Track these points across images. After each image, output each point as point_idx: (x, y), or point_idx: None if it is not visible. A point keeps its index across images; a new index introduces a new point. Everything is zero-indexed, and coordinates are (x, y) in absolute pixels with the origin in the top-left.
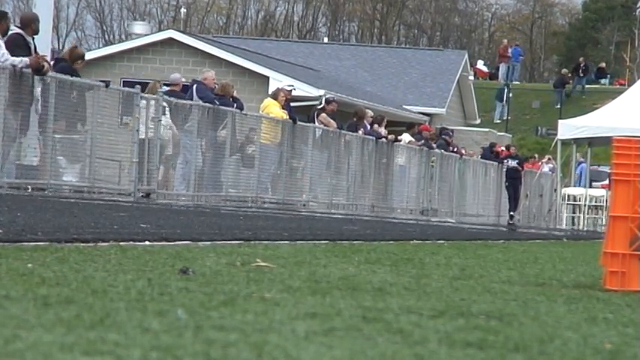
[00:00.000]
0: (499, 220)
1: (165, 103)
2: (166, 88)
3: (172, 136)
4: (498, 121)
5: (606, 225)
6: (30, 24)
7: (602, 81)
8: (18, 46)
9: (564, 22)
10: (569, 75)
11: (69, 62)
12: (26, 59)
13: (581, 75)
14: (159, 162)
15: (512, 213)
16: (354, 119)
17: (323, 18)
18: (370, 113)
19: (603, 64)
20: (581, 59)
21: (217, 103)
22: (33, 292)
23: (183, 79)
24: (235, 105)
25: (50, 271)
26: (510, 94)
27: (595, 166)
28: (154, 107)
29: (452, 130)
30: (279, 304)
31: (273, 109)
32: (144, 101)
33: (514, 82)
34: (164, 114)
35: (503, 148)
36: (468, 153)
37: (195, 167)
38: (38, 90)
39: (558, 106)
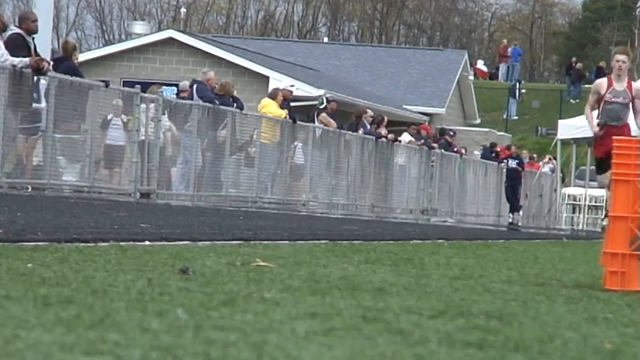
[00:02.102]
0: (499, 220)
1: (162, 104)
2: (170, 93)
3: (172, 137)
4: (516, 118)
5: (606, 225)
6: (21, 22)
7: None
8: (18, 46)
9: (564, 22)
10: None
11: (68, 59)
12: (26, 60)
13: (572, 75)
14: (158, 162)
15: (511, 215)
16: (354, 119)
17: (323, 18)
18: (370, 113)
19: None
20: (573, 59)
21: (217, 103)
22: (33, 292)
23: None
24: (235, 105)
25: (50, 271)
26: (524, 91)
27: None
28: (153, 107)
29: (453, 131)
30: (279, 304)
31: (270, 108)
32: (143, 104)
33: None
34: (163, 114)
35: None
36: (459, 151)
37: (195, 167)
38: (43, 88)
39: (578, 101)
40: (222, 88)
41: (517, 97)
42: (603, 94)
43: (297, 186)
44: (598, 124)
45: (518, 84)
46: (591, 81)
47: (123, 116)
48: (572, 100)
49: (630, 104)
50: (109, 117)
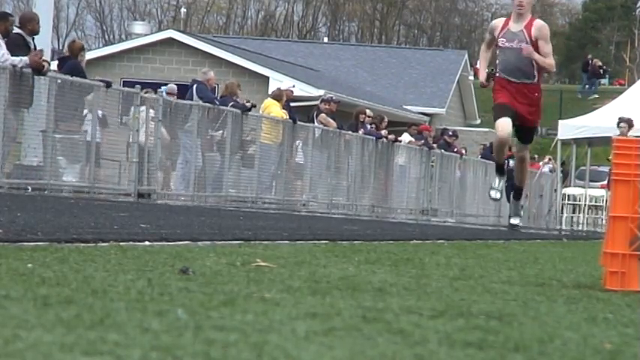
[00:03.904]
0: (499, 220)
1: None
2: (165, 95)
3: (162, 141)
4: None
5: (606, 225)
6: (26, 23)
7: (602, 81)
8: (18, 46)
9: (564, 22)
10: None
11: (74, 58)
12: (26, 58)
13: (588, 72)
14: (158, 162)
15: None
16: (354, 119)
17: (323, 18)
18: (370, 113)
19: (599, 63)
20: (589, 56)
21: (217, 103)
22: (33, 292)
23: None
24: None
25: (50, 271)
26: None
27: (595, 166)
28: (153, 108)
29: (453, 132)
30: (279, 304)
31: (273, 109)
32: (143, 107)
33: None
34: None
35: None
36: (459, 151)
37: (195, 167)
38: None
39: (597, 96)
40: (226, 89)
41: None
42: (497, 36)
43: (297, 186)
44: (487, 79)
45: None
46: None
47: (99, 112)
48: (590, 97)
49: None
50: (84, 113)
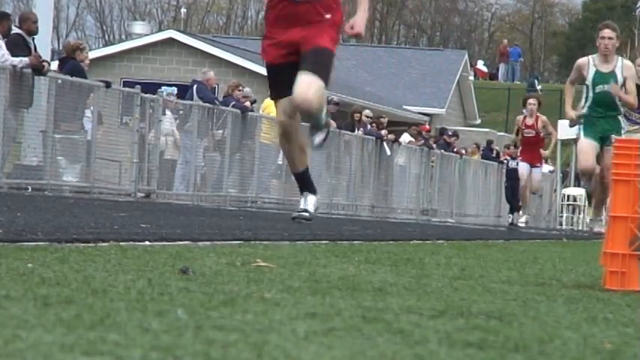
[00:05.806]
0: (499, 220)
1: (168, 112)
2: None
3: (174, 142)
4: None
5: (606, 225)
6: (22, 23)
7: None
8: (17, 46)
9: (564, 22)
10: None
11: (72, 58)
12: (26, 59)
13: None
14: (158, 162)
15: (511, 215)
16: (349, 119)
17: None
18: (368, 113)
19: None
20: None
21: (217, 103)
22: (33, 292)
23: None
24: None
25: (50, 271)
26: (540, 86)
27: None
28: (154, 108)
29: (452, 132)
30: (279, 304)
31: (272, 109)
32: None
33: (515, 82)
34: (164, 114)
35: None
36: (459, 151)
37: (196, 167)
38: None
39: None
40: (228, 90)
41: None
42: None
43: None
44: None
45: (536, 80)
46: None
47: (91, 107)
48: None
49: None
50: (85, 113)
